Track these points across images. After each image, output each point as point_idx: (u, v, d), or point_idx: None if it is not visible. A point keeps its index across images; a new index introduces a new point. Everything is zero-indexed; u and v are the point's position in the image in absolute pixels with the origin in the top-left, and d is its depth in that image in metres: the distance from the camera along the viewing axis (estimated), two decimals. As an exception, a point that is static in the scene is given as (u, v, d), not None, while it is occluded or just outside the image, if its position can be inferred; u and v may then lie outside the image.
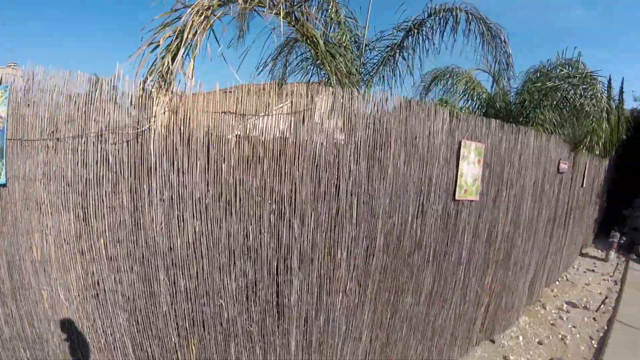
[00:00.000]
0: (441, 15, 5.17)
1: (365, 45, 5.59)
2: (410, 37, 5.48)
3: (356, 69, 5.28)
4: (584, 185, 7.08)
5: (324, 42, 4.01)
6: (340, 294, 3.21)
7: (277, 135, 2.82)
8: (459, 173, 3.93)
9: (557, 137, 5.66)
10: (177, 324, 2.78)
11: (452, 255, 4.10)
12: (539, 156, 5.11)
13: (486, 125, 4.17)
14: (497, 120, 4.32)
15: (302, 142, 2.82)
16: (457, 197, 3.97)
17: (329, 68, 4.14)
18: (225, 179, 2.64)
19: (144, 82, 2.52)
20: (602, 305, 6.32)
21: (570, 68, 6.07)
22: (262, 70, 5.27)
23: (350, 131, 3.06)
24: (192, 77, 2.55)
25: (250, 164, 2.68)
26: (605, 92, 5.90)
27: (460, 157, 3.93)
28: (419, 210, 3.68)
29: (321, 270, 3.08)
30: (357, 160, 3.27)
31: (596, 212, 9.24)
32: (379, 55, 5.69)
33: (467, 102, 7.13)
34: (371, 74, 5.72)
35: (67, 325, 2.72)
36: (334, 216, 3.14)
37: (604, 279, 7.77)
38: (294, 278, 2.96)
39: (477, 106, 7.11)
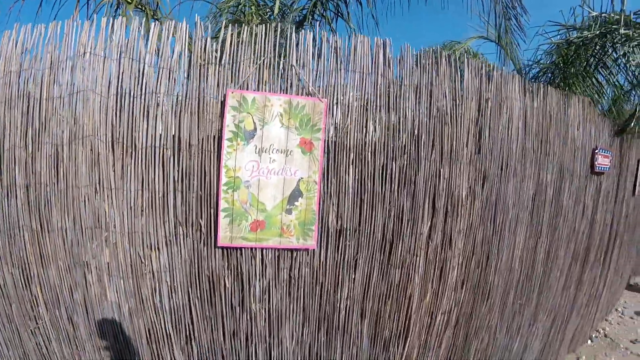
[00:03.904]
0: None
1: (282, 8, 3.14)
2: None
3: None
4: (636, 193, 3.82)
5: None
6: None
7: None
8: (224, 175, 1.41)
9: (586, 101, 2.49)
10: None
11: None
12: (544, 135, 2.15)
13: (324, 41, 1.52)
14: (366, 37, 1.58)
15: None
16: (222, 242, 1.46)
17: None
18: None
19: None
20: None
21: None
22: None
23: None
24: None
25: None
26: None
27: (226, 132, 1.41)
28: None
29: None
30: None
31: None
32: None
33: None
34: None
35: None
36: None
37: (657, 331, 4.51)
38: None
39: None
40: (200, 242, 1.49)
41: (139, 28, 1.46)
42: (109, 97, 1.45)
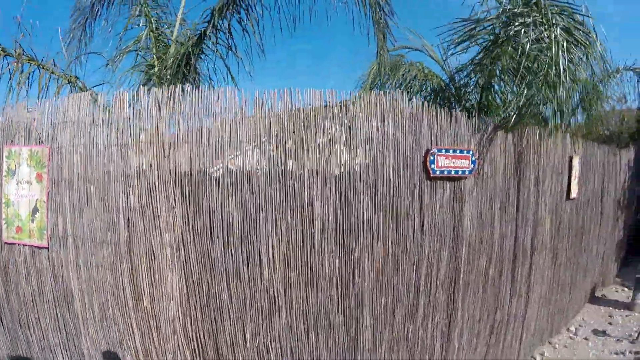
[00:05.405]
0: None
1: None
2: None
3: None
4: (575, 196, 3.37)
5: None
6: None
7: None
8: (3, 198, 2.24)
9: (394, 95, 1.85)
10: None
11: None
12: (290, 142, 1.85)
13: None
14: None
15: None
16: (4, 239, 2.25)
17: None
18: None
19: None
20: None
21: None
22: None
23: None
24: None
25: None
26: None
27: (3, 171, 2.24)
28: None
29: None
30: None
31: (619, 231, 5.25)
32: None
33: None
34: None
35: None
36: None
37: (618, 353, 3.23)
38: None
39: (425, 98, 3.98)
40: (-2, 240, 2.36)
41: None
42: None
